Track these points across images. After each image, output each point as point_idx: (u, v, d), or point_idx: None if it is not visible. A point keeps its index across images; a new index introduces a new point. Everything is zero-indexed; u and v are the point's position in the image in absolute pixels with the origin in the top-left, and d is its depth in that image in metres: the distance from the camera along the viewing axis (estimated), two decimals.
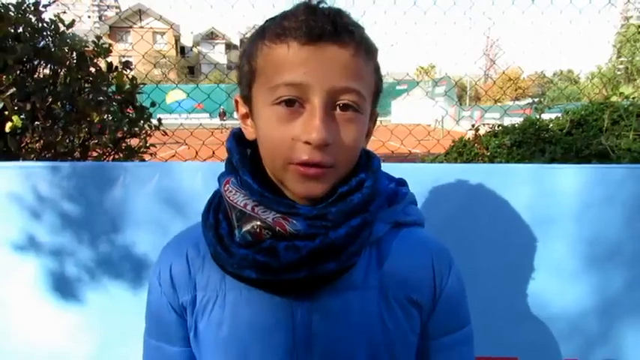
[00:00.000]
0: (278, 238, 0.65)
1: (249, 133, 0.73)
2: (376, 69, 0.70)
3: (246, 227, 0.66)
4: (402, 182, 0.83)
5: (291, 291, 0.67)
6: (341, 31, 0.62)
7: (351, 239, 0.65)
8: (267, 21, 0.68)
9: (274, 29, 0.64)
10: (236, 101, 0.75)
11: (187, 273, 0.74)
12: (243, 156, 0.72)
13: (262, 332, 0.69)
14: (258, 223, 0.65)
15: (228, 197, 0.69)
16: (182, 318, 0.75)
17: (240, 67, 0.71)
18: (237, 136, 0.75)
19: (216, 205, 0.73)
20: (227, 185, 0.71)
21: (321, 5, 0.65)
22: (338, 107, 0.64)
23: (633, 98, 2.91)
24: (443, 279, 0.75)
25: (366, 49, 0.66)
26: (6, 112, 1.79)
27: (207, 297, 0.72)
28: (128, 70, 2.32)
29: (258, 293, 0.68)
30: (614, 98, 2.95)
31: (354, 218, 0.66)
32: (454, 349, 0.78)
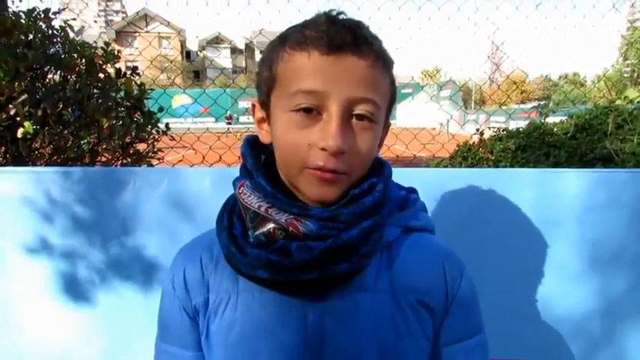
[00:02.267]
0: (291, 239, 0.66)
1: (265, 137, 0.74)
2: (392, 81, 0.71)
3: (261, 229, 0.67)
4: (412, 190, 0.84)
5: (303, 292, 0.68)
6: (360, 42, 0.64)
7: (363, 241, 0.67)
8: (288, 29, 0.70)
9: (295, 37, 0.66)
10: (253, 105, 0.76)
11: (201, 276, 0.75)
12: (257, 160, 0.74)
13: (274, 333, 0.70)
14: (272, 224, 0.67)
15: (243, 199, 0.71)
16: (195, 322, 0.76)
17: (259, 73, 0.73)
18: (251, 142, 0.77)
19: (231, 208, 0.75)
20: (242, 188, 0.72)
21: (341, 16, 0.66)
22: (354, 116, 0.66)
23: (638, 102, 2.91)
24: (455, 284, 0.75)
25: (383, 62, 0.67)
26: (18, 118, 1.83)
27: (220, 298, 0.73)
28: (136, 76, 2.36)
29: (271, 294, 0.69)
30: (618, 102, 2.96)
31: (366, 220, 0.67)
32: (467, 357, 0.77)
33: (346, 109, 0.64)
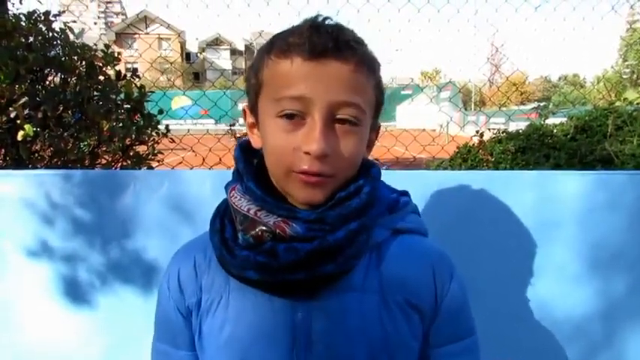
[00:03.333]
0: (278, 241, 0.68)
1: (256, 142, 0.76)
2: (377, 83, 0.72)
3: (249, 231, 0.69)
4: (404, 193, 0.85)
5: (292, 292, 0.70)
6: (343, 47, 0.65)
7: (349, 242, 0.68)
8: (274, 36, 0.71)
9: (280, 45, 0.68)
10: (244, 111, 0.79)
11: (194, 277, 0.77)
12: (248, 164, 0.76)
13: (264, 332, 0.71)
14: (262, 227, 0.69)
15: (233, 202, 0.73)
16: (189, 321, 0.77)
17: (247, 79, 0.75)
18: (243, 146, 0.79)
19: (223, 211, 0.77)
20: (233, 192, 0.75)
21: (327, 22, 0.68)
22: (338, 120, 0.67)
23: (637, 104, 2.91)
24: (444, 287, 0.76)
25: (367, 65, 0.69)
26: (18, 121, 1.83)
27: (212, 298, 0.75)
28: (136, 78, 2.36)
29: (261, 294, 0.71)
30: (618, 103, 2.96)
31: (352, 222, 0.69)
32: (457, 359, 0.78)
33: (329, 113, 0.66)
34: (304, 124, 0.66)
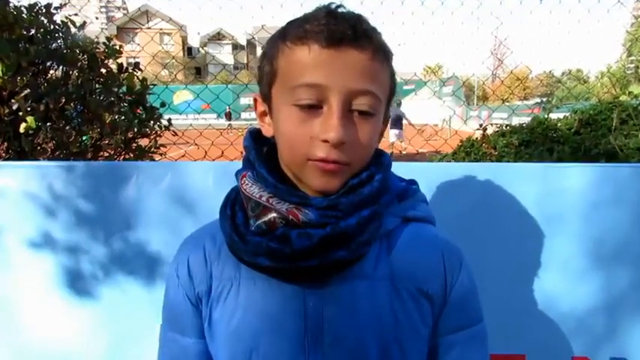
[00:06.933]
0: (291, 227, 0.68)
1: (267, 131, 0.76)
2: (391, 74, 0.73)
3: (262, 218, 0.69)
4: (412, 182, 0.86)
5: (303, 279, 0.70)
6: (360, 36, 0.65)
7: (361, 228, 0.68)
8: (288, 23, 0.71)
9: (296, 32, 0.67)
10: (255, 99, 0.78)
11: (204, 264, 0.77)
12: (259, 152, 0.75)
13: (274, 319, 0.71)
14: (273, 213, 0.68)
15: (245, 189, 0.73)
16: (198, 309, 0.77)
17: (261, 67, 0.74)
18: (253, 134, 0.78)
19: (234, 199, 0.77)
20: (244, 179, 0.74)
21: (340, 10, 0.67)
22: (354, 108, 0.67)
23: None
24: (454, 275, 0.76)
25: (383, 54, 0.69)
26: (20, 113, 1.83)
27: (222, 286, 0.75)
28: (138, 72, 2.36)
29: (272, 282, 0.71)
30: (623, 98, 2.94)
31: (365, 209, 0.69)
32: (465, 346, 0.78)
33: (346, 101, 0.66)
34: (321, 112, 0.66)
